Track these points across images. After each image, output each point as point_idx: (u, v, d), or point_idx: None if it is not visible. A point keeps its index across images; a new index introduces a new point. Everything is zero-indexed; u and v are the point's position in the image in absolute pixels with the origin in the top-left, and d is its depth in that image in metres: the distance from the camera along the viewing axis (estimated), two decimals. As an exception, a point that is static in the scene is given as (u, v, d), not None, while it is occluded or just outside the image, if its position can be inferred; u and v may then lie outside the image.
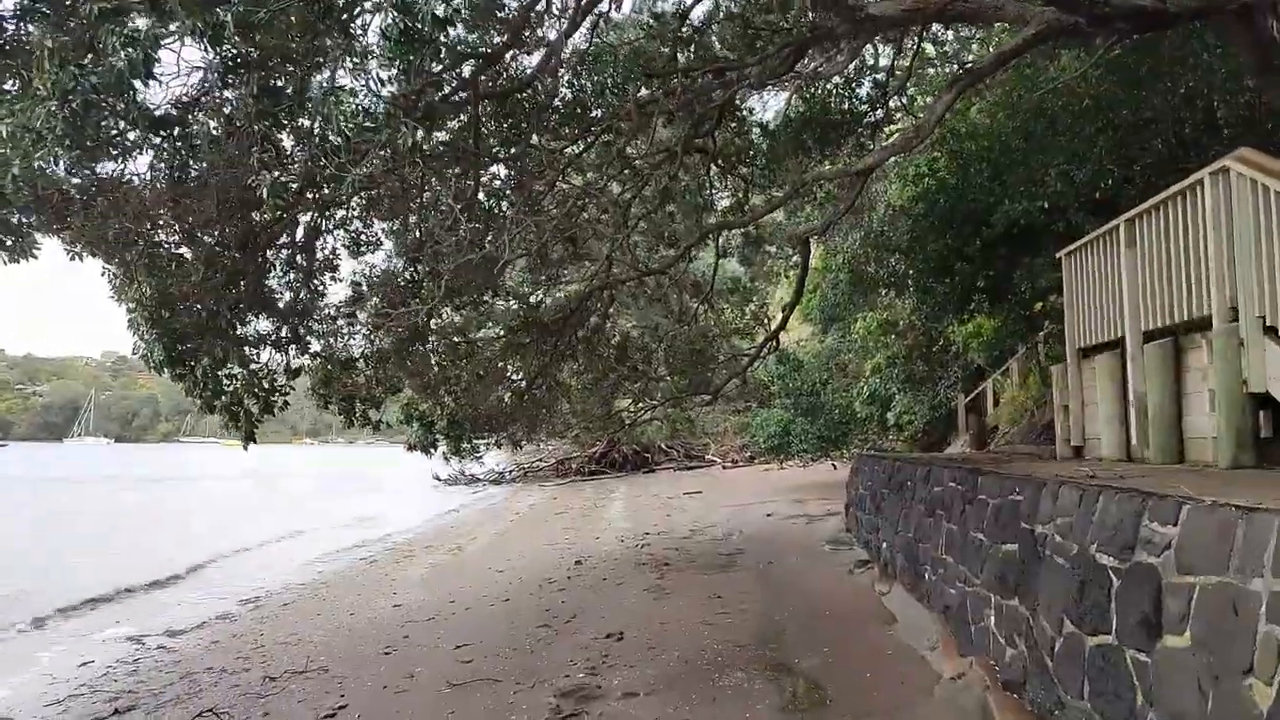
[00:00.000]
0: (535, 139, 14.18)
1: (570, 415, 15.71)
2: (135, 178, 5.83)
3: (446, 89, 9.74)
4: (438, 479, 41.24)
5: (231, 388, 7.87)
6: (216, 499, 36.09)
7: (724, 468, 37.07)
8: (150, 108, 5.09)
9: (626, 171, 15.54)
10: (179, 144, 5.54)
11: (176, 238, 6.71)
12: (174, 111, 5.46)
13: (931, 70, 18.39)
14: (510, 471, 43.06)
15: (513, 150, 13.71)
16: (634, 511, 21.86)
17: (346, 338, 9.51)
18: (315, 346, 9.20)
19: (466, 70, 10.33)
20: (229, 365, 7.58)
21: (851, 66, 14.93)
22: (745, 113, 16.11)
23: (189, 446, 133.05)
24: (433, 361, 11.18)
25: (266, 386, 8.13)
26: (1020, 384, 18.08)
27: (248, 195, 5.59)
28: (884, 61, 15.75)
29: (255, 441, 8.47)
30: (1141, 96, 10.03)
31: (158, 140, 5.54)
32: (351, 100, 4.54)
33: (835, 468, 26.40)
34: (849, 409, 24.69)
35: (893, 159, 20.98)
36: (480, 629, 9.25)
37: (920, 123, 10.58)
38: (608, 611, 9.57)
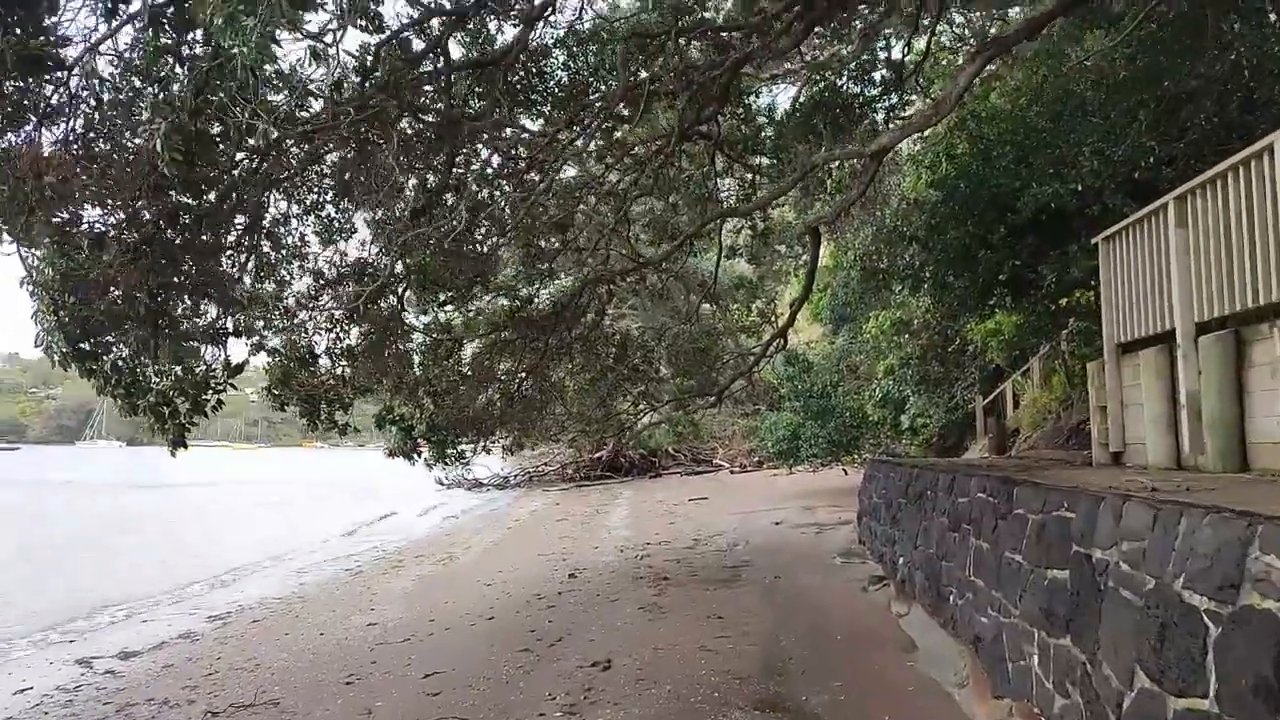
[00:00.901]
0: (528, 122, 13.40)
1: (565, 418, 14.88)
2: (23, 135, 5.03)
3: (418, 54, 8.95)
4: (441, 484, 40.50)
5: (160, 385, 7.05)
6: (213, 506, 35.36)
7: (732, 472, 36.15)
8: (28, 47, 4.29)
9: (626, 160, 14.74)
10: (83, 94, 4.76)
11: (93, 211, 5.91)
12: (58, 52, 4.66)
13: (946, 60, 17.54)
14: (515, 476, 42.29)
15: (502, 133, 12.95)
16: (637, 519, 20.99)
17: (310, 332, 8.67)
18: (274, 341, 8.37)
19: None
20: (157, 359, 6.75)
21: (865, 56, 14.10)
22: (751, 98, 15.27)
23: (198, 450, 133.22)
24: (415, 360, 10.36)
25: (199, 383, 7.27)
26: (1042, 385, 17.16)
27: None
28: (897, 55, 14.90)
29: (185, 446, 7.64)
30: (1186, 67, 9.14)
31: (43, 88, 4.75)
32: (252, 23, 3.71)
33: (846, 473, 25.45)
34: (860, 412, 23.77)
35: (908, 148, 20.01)
36: (456, 653, 8.40)
37: (940, 99, 9.73)
38: (598, 633, 8.72)
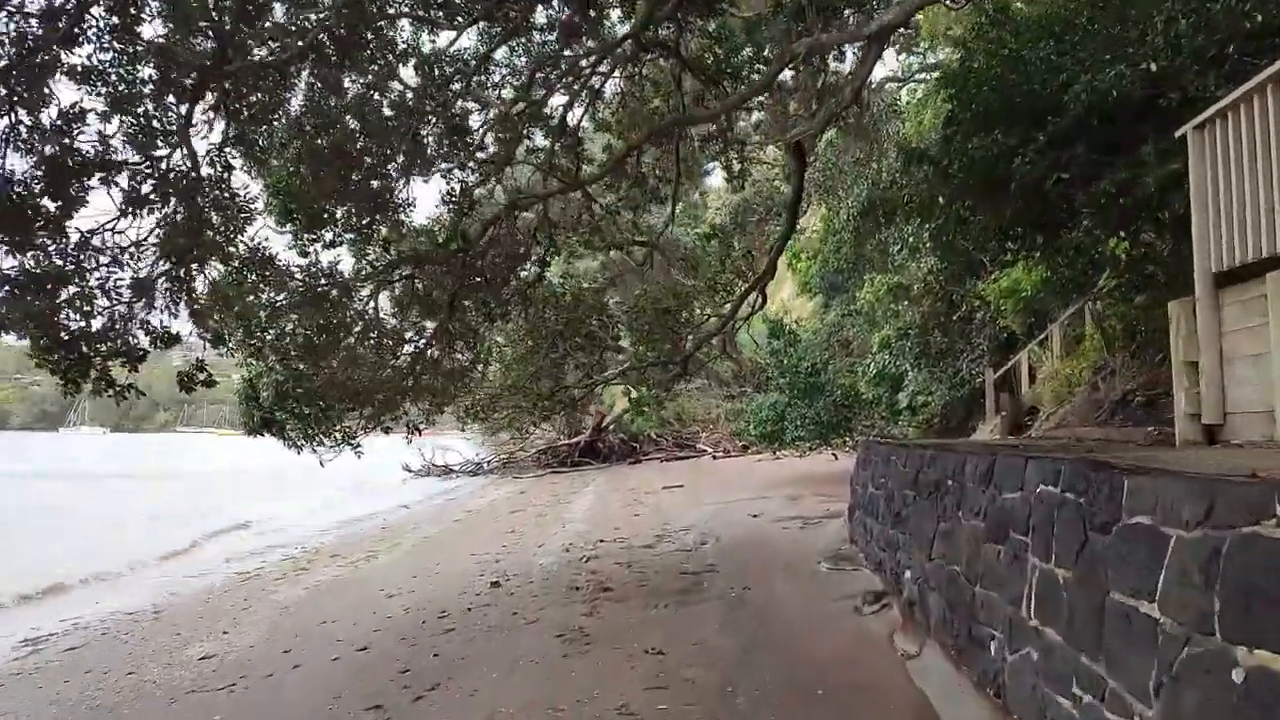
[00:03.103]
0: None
1: (499, 391, 12.42)
2: None
3: None
4: (408, 470, 38.21)
5: None
6: (161, 497, 32.71)
7: (714, 458, 33.78)
8: None
9: (570, 78, 12.24)
10: None
11: None
12: None
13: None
14: (489, 462, 39.97)
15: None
16: (599, 509, 18.55)
17: (83, 254, 6.13)
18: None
19: None
20: None
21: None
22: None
23: (182, 437, 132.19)
24: (270, 306, 7.88)
25: None
26: (1063, 354, 14.76)
27: None
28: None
29: None
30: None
31: None
32: None
33: (835, 458, 23.05)
34: (852, 390, 21.35)
35: (908, 94, 17.28)
36: (279, 712, 5.95)
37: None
38: (487, 678, 6.29)
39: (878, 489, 8.80)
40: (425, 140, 10.94)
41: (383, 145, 10.11)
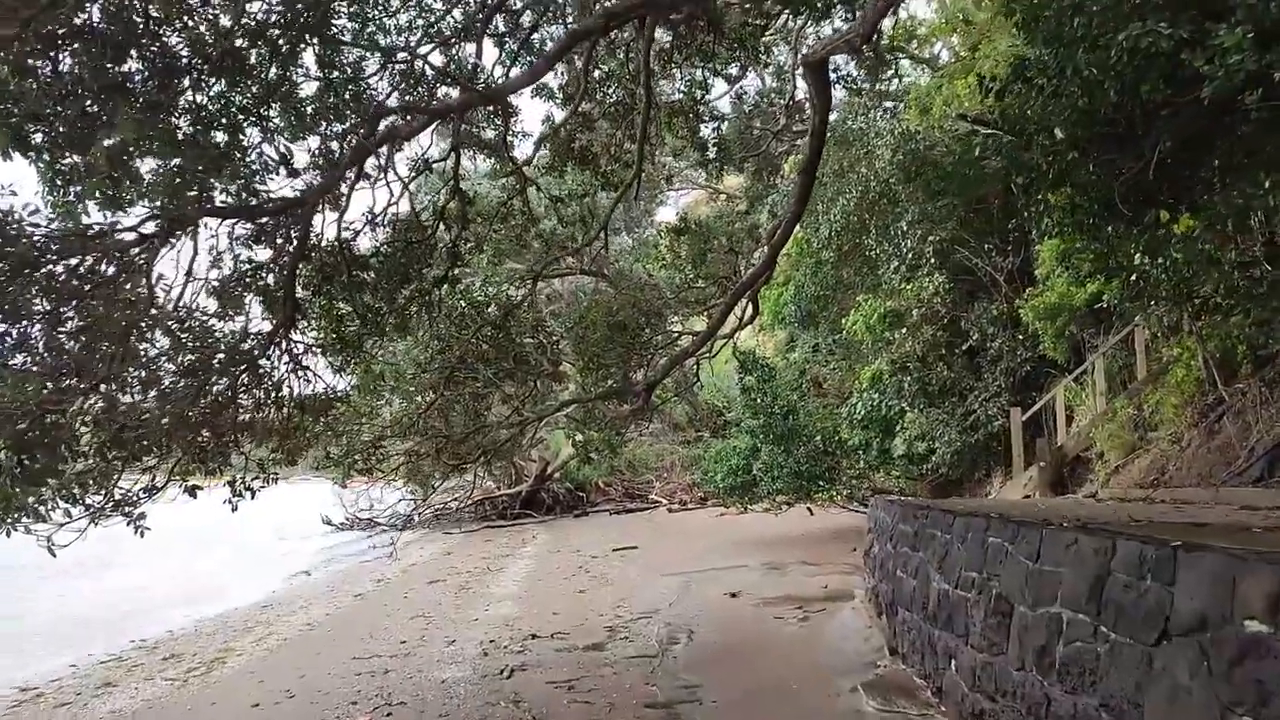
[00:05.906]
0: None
1: (393, 430, 9.02)
2: None
3: None
4: (328, 524, 34.07)
5: None
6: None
7: (670, 510, 30.41)
8: None
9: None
10: None
11: None
12: None
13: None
14: (419, 513, 35.93)
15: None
16: (537, 581, 15.02)
17: None
18: None
19: None
20: None
21: None
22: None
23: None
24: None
25: None
26: (1109, 392, 11.92)
27: None
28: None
29: None
30: None
31: None
32: None
33: (811, 513, 19.86)
34: (834, 435, 18.27)
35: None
36: None
37: None
38: None
39: (960, 588, 5.59)
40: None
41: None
